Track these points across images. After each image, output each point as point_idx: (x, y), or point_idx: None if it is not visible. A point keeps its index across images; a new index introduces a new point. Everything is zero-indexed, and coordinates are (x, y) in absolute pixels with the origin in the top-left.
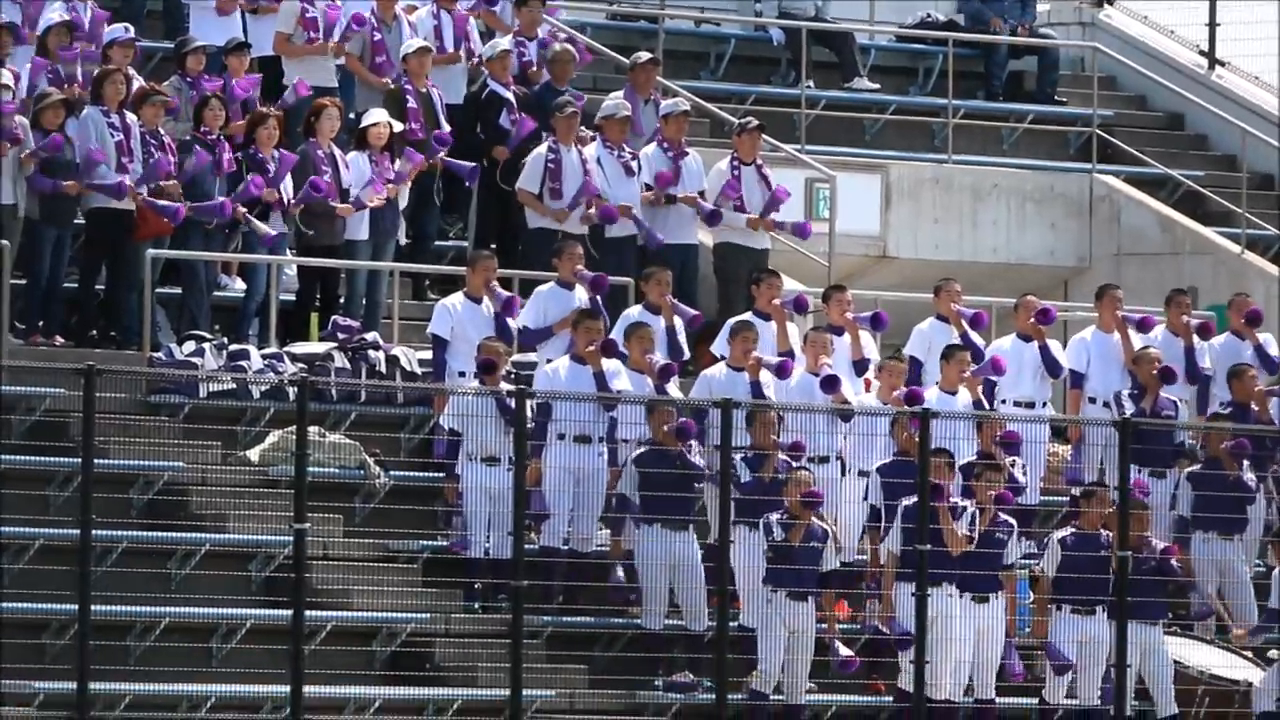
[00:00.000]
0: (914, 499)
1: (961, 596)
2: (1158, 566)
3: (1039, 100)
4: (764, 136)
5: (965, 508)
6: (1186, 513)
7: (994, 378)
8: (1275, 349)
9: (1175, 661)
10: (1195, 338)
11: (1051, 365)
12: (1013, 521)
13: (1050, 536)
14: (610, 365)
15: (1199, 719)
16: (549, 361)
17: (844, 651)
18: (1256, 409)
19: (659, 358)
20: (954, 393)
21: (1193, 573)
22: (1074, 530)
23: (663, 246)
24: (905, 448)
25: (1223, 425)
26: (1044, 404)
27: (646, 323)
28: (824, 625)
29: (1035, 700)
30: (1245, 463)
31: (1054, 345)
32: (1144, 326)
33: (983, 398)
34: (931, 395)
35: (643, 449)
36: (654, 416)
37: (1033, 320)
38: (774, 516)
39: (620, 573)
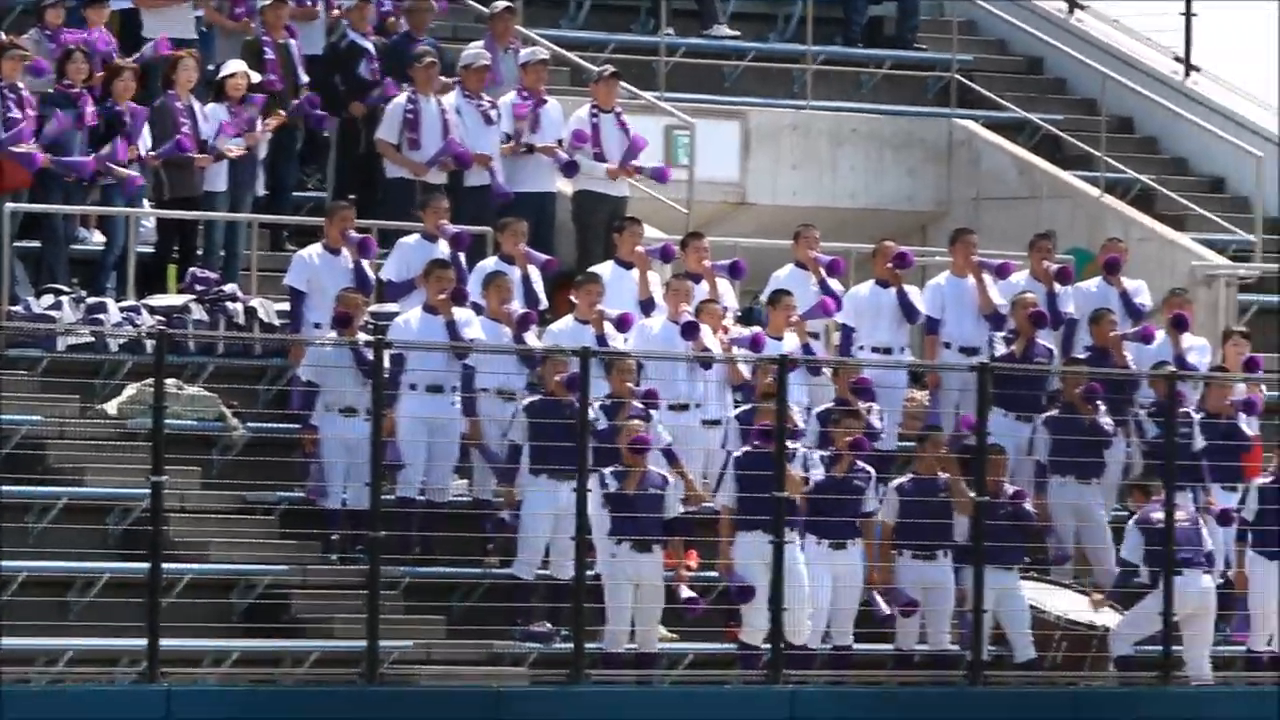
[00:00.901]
0: (743, 450)
1: (819, 543)
2: (1012, 511)
3: (898, 46)
4: (623, 84)
5: (795, 450)
6: (1044, 457)
7: (851, 325)
8: (1145, 296)
9: (1032, 606)
10: (1055, 282)
11: (909, 310)
12: (870, 469)
13: (888, 485)
14: (462, 315)
15: (1056, 663)
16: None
17: (685, 593)
18: (1114, 354)
19: (517, 307)
20: (780, 338)
21: (1049, 517)
22: (912, 476)
23: (509, 200)
24: (766, 392)
25: (1078, 370)
26: (902, 350)
27: (503, 272)
28: (671, 574)
29: (892, 646)
30: (1102, 407)
31: (912, 291)
32: (1003, 271)
33: (810, 342)
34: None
35: (533, 399)
36: (545, 367)
37: (890, 266)
38: (608, 469)
39: (506, 516)
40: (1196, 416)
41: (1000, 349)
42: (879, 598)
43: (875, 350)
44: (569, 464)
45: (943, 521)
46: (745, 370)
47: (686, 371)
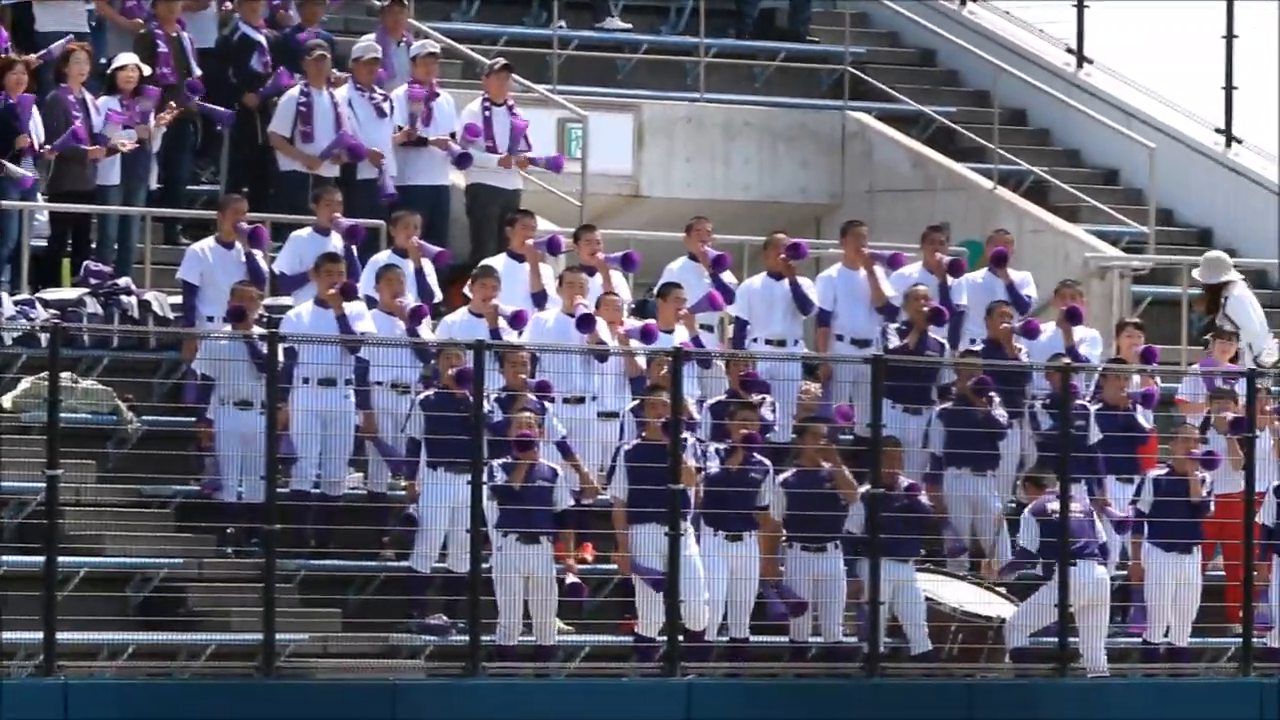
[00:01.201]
0: (633, 442)
1: (715, 535)
2: (908, 504)
3: (790, 38)
4: (515, 77)
5: (686, 439)
6: (939, 449)
7: (745, 318)
8: (1031, 288)
9: (928, 598)
10: (948, 274)
11: (802, 302)
12: (767, 462)
13: (774, 478)
14: (354, 308)
15: (952, 655)
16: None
17: (570, 579)
18: (1005, 346)
19: (410, 300)
20: (670, 331)
21: (945, 509)
22: (796, 469)
23: (396, 199)
24: (658, 384)
25: (972, 362)
26: (796, 342)
27: (396, 265)
28: (562, 566)
29: (787, 638)
30: (996, 399)
31: (805, 282)
32: (894, 263)
33: (700, 335)
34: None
35: (429, 393)
36: (440, 360)
37: (783, 257)
38: (497, 461)
39: (412, 509)
40: (1093, 409)
41: (894, 341)
42: (775, 597)
43: (769, 342)
44: (465, 457)
45: (830, 514)
46: (642, 363)
47: (582, 364)
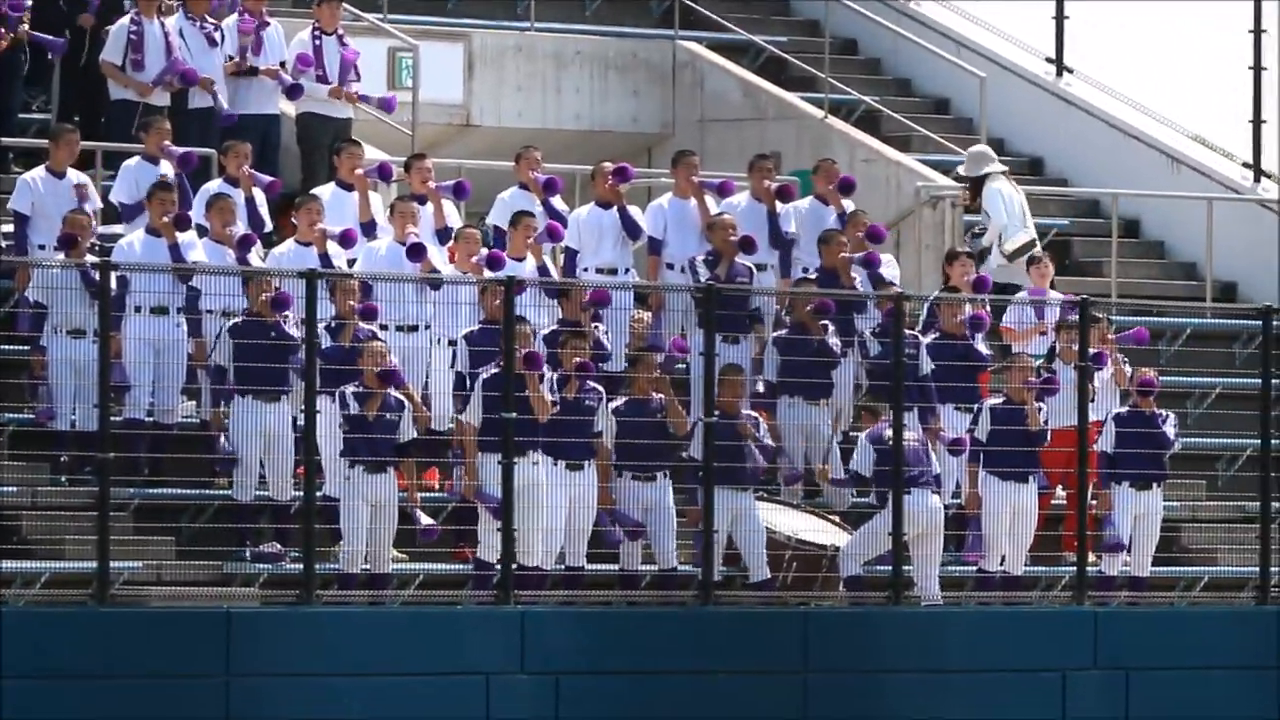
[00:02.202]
0: (493, 368)
1: (556, 464)
2: (741, 432)
3: None
4: (345, 6)
5: (544, 374)
6: (772, 377)
7: (574, 247)
8: (892, 270)
9: (764, 527)
10: (777, 201)
11: (631, 228)
12: (601, 389)
13: (607, 406)
14: (185, 237)
15: (787, 583)
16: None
17: (425, 520)
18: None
19: (240, 229)
20: (521, 259)
21: (780, 438)
22: (627, 398)
23: (234, 122)
24: (492, 316)
25: (808, 290)
26: (627, 270)
27: (226, 194)
28: (405, 495)
29: (647, 568)
30: (830, 327)
31: (633, 210)
32: (724, 191)
33: (549, 264)
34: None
35: (237, 319)
36: (251, 287)
37: (610, 184)
38: (349, 389)
39: (224, 441)
40: (924, 339)
41: (702, 272)
42: (613, 523)
43: (600, 271)
44: (273, 385)
45: (660, 442)
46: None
47: (415, 292)
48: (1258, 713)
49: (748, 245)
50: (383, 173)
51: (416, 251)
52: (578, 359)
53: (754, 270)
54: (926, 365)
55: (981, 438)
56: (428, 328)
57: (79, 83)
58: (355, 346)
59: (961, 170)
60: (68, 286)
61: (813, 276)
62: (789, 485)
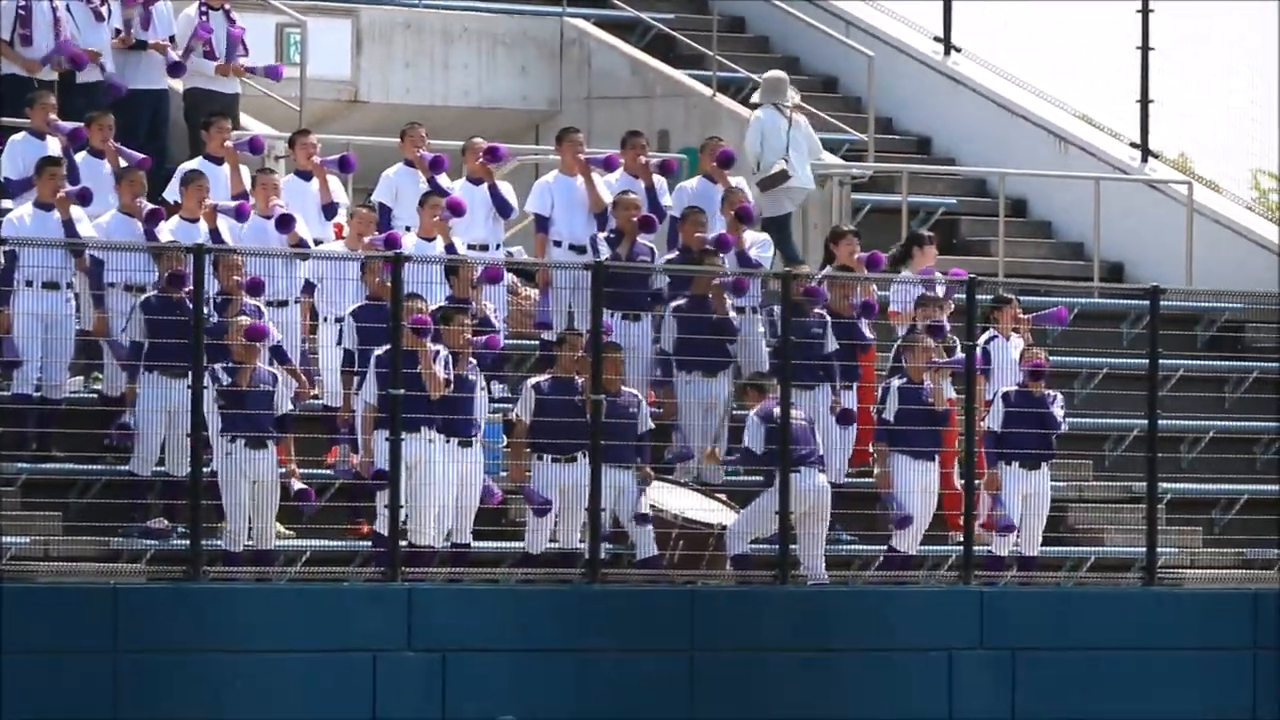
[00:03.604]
0: (385, 348)
1: (448, 441)
2: (630, 410)
3: None
4: None
5: (438, 351)
6: (670, 351)
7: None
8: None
9: (651, 505)
10: (656, 176)
11: (502, 205)
12: (473, 362)
13: (525, 383)
14: (77, 211)
15: (674, 561)
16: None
17: (297, 485)
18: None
19: (146, 202)
20: (431, 239)
21: (674, 414)
22: (550, 376)
23: (126, 94)
24: (377, 293)
25: (709, 268)
26: (498, 246)
27: (136, 168)
28: (285, 471)
29: (521, 544)
30: (730, 302)
31: (503, 186)
32: (609, 166)
33: (456, 241)
34: (410, 241)
35: (148, 295)
36: (162, 262)
37: (481, 161)
38: (219, 365)
39: (127, 417)
40: (829, 318)
41: (605, 250)
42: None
43: (471, 246)
44: (180, 360)
45: (581, 421)
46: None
47: (284, 267)
48: (1143, 693)
49: (647, 225)
50: (253, 146)
51: (285, 223)
52: (470, 335)
53: (654, 250)
54: (832, 344)
55: (889, 418)
56: (297, 302)
57: None
58: (232, 321)
59: (755, 97)
60: None
61: (673, 255)
62: (679, 463)
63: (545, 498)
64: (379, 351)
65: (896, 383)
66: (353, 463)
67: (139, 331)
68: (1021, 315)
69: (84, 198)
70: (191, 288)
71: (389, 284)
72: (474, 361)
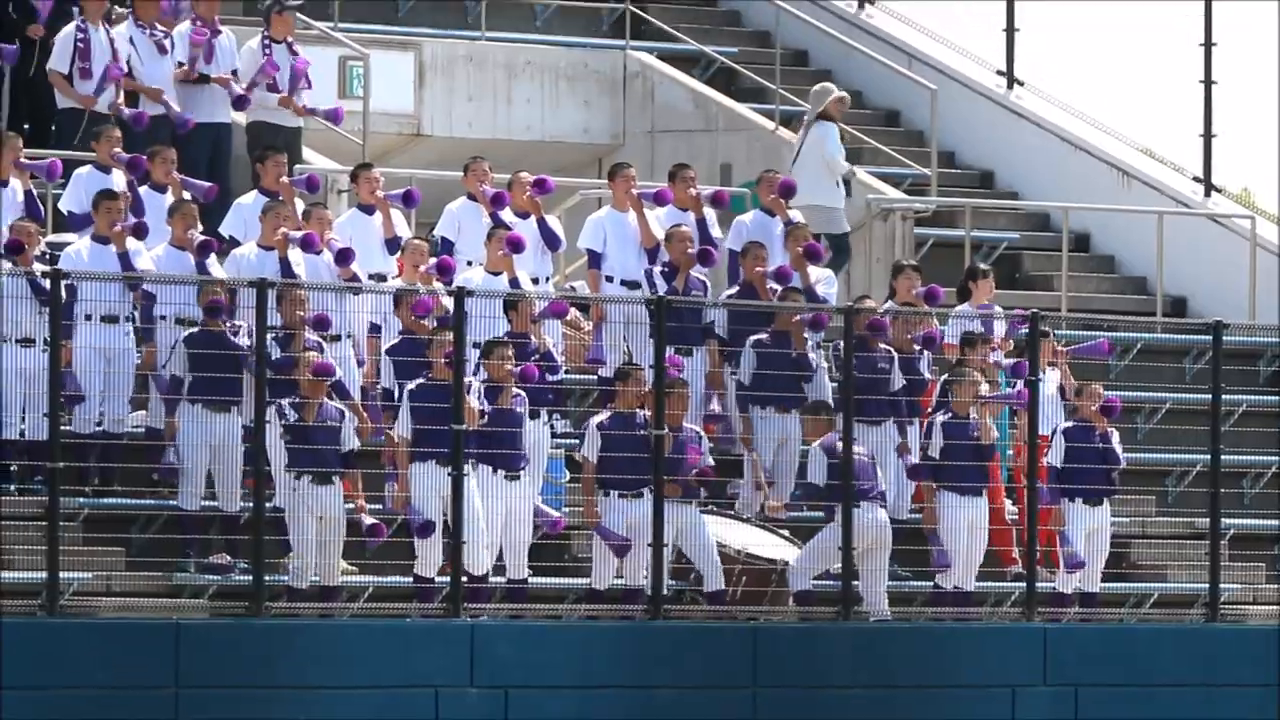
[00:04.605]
0: (417, 381)
1: (495, 474)
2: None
3: None
4: (297, 14)
5: (469, 383)
6: (747, 381)
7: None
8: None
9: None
10: (707, 209)
11: (550, 239)
12: (524, 395)
13: (589, 422)
14: (134, 245)
15: (736, 598)
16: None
17: (367, 521)
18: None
19: (198, 235)
20: (498, 274)
21: (751, 449)
22: (612, 412)
23: (191, 128)
24: (410, 327)
25: (791, 305)
26: (547, 279)
27: (188, 200)
28: (352, 506)
29: (587, 580)
30: (810, 340)
31: (551, 219)
32: (660, 201)
33: (520, 275)
34: (477, 275)
35: (193, 330)
36: (202, 296)
37: (528, 195)
38: (286, 400)
39: (172, 455)
40: (897, 355)
41: (660, 285)
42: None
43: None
44: (222, 394)
45: (647, 456)
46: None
47: (336, 301)
48: None
49: (706, 258)
50: (310, 185)
51: (344, 257)
52: (508, 368)
53: (708, 284)
54: (899, 380)
55: (934, 454)
56: (349, 336)
57: (29, 90)
58: (300, 356)
59: (809, 102)
60: (16, 295)
61: (734, 291)
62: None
63: (624, 537)
64: (411, 385)
65: (941, 418)
66: (396, 500)
67: (180, 366)
68: (1060, 348)
69: (139, 231)
70: (230, 319)
71: (421, 320)
72: (521, 394)
